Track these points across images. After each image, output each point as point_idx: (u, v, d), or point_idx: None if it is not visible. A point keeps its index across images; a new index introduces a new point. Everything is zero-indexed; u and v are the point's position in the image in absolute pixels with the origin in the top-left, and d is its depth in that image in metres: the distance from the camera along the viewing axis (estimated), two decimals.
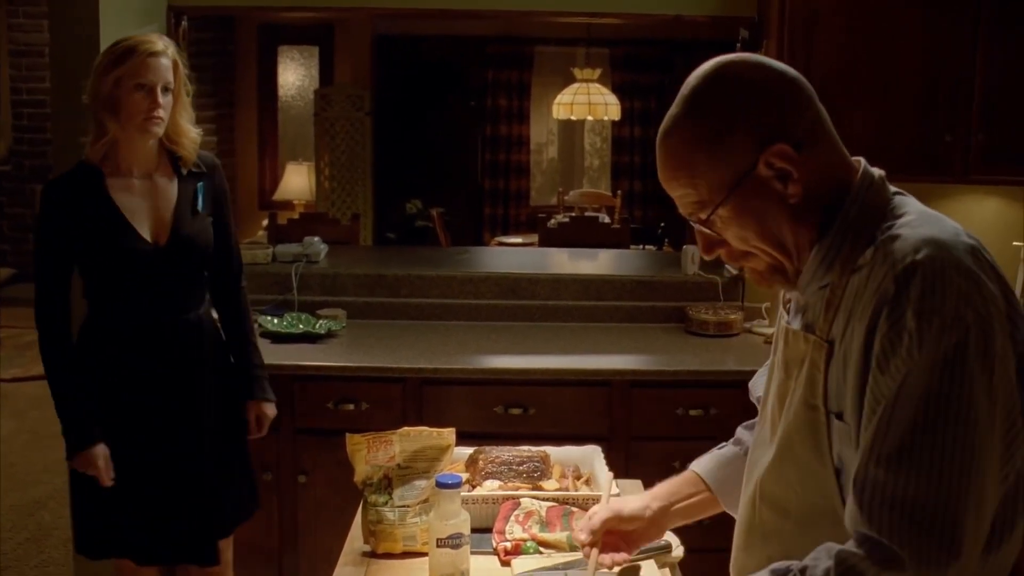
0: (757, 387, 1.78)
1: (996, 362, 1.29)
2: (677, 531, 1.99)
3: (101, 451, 2.77)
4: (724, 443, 1.90)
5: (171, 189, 2.87)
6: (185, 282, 2.91)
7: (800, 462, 1.47)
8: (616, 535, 1.86)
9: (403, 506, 2.07)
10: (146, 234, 2.82)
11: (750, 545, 1.59)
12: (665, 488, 1.88)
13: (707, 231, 1.47)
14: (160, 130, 2.77)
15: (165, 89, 2.74)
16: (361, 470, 2.11)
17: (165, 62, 2.74)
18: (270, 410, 3.08)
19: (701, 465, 1.88)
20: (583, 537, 1.85)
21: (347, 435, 2.11)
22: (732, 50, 4.16)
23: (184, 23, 4.00)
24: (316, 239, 4.50)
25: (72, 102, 3.51)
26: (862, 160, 1.48)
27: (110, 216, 2.78)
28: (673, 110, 1.46)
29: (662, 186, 1.50)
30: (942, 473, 1.26)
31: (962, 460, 1.26)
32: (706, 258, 1.54)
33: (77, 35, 3.46)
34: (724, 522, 1.82)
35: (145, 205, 2.84)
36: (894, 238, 1.36)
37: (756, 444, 1.63)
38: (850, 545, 1.31)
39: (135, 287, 2.84)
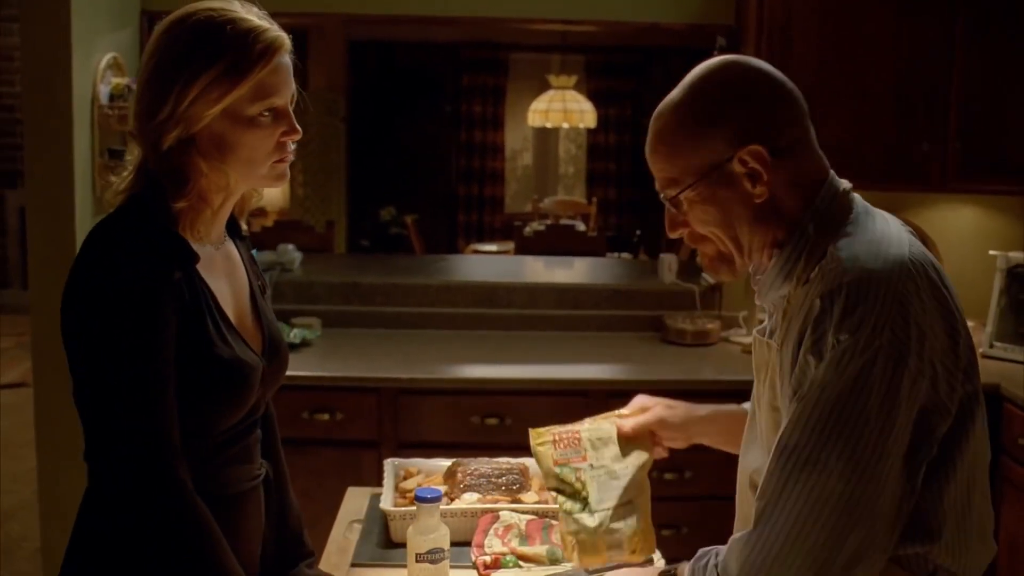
0: None
1: (903, 385, 1.33)
2: (660, 547, 1.97)
3: None
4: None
5: (240, 264, 1.79)
6: (264, 418, 1.84)
7: None
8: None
9: (604, 509, 1.85)
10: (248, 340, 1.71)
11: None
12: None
13: (673, 210, 1.55)
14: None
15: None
16: (550, 472, 1.87)
17: (289, 63, 1.64)
18: None
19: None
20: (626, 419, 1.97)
21: (530, 430, 1.91)
22: (709, 57, 4.17)
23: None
24: (290, 247, 4.46)
25: (43, 107, 3.46)
26: (830, 172, 1.53)
27: (209, 312, 1.62)
28: (672, 93, 1.54)
29: (646, 161, 1.57)
30: (823, 491, 1.34)
31: (845, 483, 1.33)
32: (669, 235, 1.61)
33: (48, 38, 3.40)
34: (718, 528, 1.82)
35: (230, 293, 1.72)
36: (834, 259, 1.42)
37: (745, 441, 1.68)
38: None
39: (228, 430, 1.68)
